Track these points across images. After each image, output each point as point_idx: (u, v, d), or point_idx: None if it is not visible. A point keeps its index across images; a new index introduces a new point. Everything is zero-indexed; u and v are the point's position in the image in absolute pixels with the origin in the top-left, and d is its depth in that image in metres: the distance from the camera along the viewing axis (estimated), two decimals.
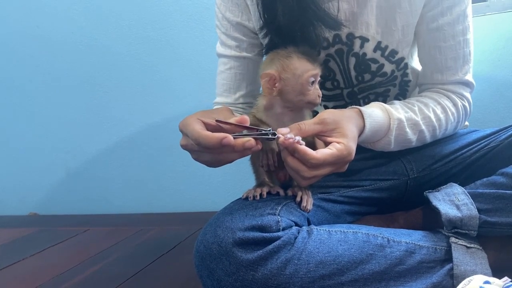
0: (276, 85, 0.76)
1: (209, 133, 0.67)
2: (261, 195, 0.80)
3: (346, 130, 0.73)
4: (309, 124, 0.73)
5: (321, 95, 0.78)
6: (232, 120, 0.70)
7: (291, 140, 0.68)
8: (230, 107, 1.00)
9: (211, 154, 0.72)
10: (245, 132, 0.70)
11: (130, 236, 1.49)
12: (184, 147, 0.75)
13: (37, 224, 1.80)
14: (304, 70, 0.75)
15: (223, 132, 0.69)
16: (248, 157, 0.81)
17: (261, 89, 0.81)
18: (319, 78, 0.78)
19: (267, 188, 0.81)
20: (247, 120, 0.70)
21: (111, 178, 1.94)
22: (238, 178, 1.70)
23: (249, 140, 0.68)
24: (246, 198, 0.80)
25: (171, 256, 1.24)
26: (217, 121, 0.71)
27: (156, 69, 1.79)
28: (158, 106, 1.81)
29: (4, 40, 1.98)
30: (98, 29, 1.83)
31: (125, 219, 1.76)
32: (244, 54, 0.99)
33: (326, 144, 0.72)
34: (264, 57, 0.94)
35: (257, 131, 0.70)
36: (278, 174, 0.83)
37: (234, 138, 0.67)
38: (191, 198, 1.83)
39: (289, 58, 0.76)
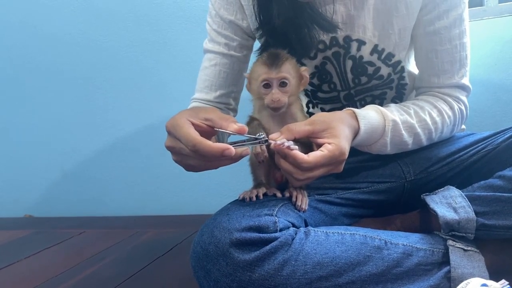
0: (247, 86, 0.82)
1: (210, 142, 0.67)
2: (257, 196, 0.80)
3: (337, 131, 0.73)
4: (299, 126, 0.73)
5: (276, 101, 0.76)
6: (231, 129, 0.69)
7: (281, 145, 0.69)
8: (208, 105, 1.01)
9: (202, 161, 0.71)
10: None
11: (126, 238, 1.48)
12: (169, 148, 0.74)
13: (32, 226, 1.79)
14: (258, 74, 0.77)
15: (210, 132, 0.71)
16: (246, 158, 0.81)
17: None
18: (282, 80, 0.76)
19: (264, 189, 0.81)
20: (246, 129, 0.70)
21: (107, 180, 1.93)
22: (235, 181, 1.70)
23: (246, 149, 0.69)
24: (243, 199, 0.80)
25: (167, 259, 1.23)
26: (214, 130, 0.71)
27: (154, 70, 1.79)
28: (155, 108, 1.81)
29: (1, 41, 1.97)
30: (96, 30, 1.83)
31: (121, 221, 1.76)
32: (232, 52, 0.99)
33: (318, 145, 0.72)
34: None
35: (250, 138, 0.72)
36: (275, 175, 0.83)
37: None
38: (187, 200, 1.83)
39: (255, 62, 0.81)
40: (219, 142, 0.78)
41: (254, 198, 0.79)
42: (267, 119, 0.81)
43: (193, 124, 0.70)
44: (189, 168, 0.75)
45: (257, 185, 0.84)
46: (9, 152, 2.07)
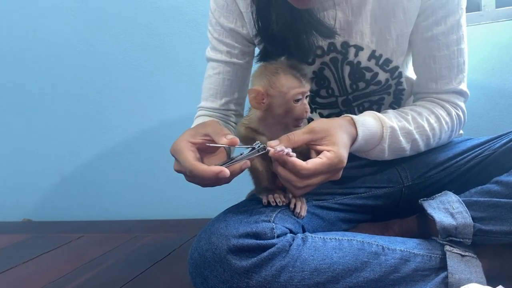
0: (264, 100, 0.76)
1: (204, 167, 0.69)
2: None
3: (336, 138, 0.73)
4: (298, 135, 0.73)
5: (308, 111, 0.77)
6: (222, 142, 0.71)
7: (280, 152, 0.69)
8: (213, 113, 1.01)
9: (206, 182, 0.73)
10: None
11: (125, 242, 1.48)
12: (179, 172, 0.76)
13: (31, 231, 1.79)
14: (290, 88, 0.75)
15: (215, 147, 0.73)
16: None
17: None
18: (307, 94, 0.78)
19: (282, 196, 0.81)
20: (237, 141, 0.71)
21: (106, 184, 1.93)
22: (233, 185, 1.69)
23: (245, 162, 0.70)
24: (268, 203, 0.80)
25: (165, 263, 1.23)
26: (207, 146, 0.73)
27: (152, 74, 1.79)
28: (153, 112, 1.81)
29: (1, 44, 1.98)
30: (95, 34, 1.83)
31: (120, 226, 1.75)
32: (234, 60, 1.00)
33: (317, 152, 0.73)
34: (254, 66, 0.95)
35: (246, 148, 0.73)
36: (276, 180, 0.83)
37: (227, 166, 0.69)
38: (186, 204, 1.83)
39: (276, 74, 0.76)
40: (228, 153, 0.80)
41: (275, 203, 0.80)
42: (269, 129, 0.80)
43: (194, 143, 0.73)
44: (204, 185, 0.76)
45: (264, 189, 0.83)
46: (8, 156, 2.07)
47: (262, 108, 0.77)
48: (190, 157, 0.70)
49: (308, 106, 0.77)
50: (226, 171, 0.67)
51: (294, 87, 0.75)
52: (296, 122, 0.78)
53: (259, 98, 0.76)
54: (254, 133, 0.80)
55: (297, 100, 0.75)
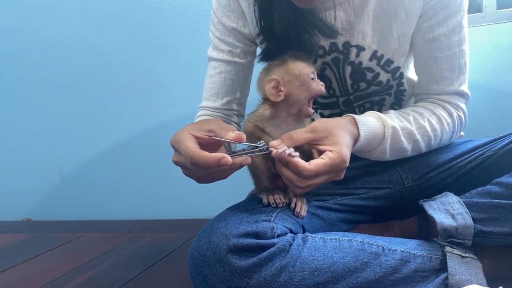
0: (282, 89, 0.78)
1: (206, 153, 0.68)
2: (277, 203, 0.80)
3: (338, 138, 0.73)
4: (300, 133, 0.73)
5: (323, 86, 0.80)
6: (229, 137, 0.70)
7: (283, 153, 0.69)
8: (215, 112, 1.00)
9: (206, 172, 0.72)
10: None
11: (124, 242, 1.48)
12: (176, 163, 0.75)
13: (31, 230, 1.79)
14: (301, 68, 0.79)
15: (217, 143, 0.72)
16: None
17: (259, 98, 0.82)
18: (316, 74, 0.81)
19: (282, 197, 0.81)
20: (243, 137, 0.70)
21: (105, 183, 1.93)
22: (232, 185, 1.70)
23: (246, 159, 0.70)
24: (269, 204, 0.80)
25: (165, 263, 1.23)
26: (212, 138, 0.72)
27: (153, 74, 1.79)
28: (153, 112, 1.81)
29: (0, 44, 1.98)
30: (95, 34, 1.83)
31: (119, 226, 1.75)
32: (236, 59, 1.00)
33: (319, 152, 0.73)
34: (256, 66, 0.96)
35: (249, 146, 0.72)
36: (276, 181, 0.83)
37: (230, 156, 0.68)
38: (185, 204, 1.83)
39: (285, 62, 0.80)
40: (227, 152, 0.79)
41: (275, 204, 0.80)
42: (276, 129, 0.80)
43: (196, 137, 0.71)
44: (200, 180, 0.76)
45: (264, 189, 0.83)
46: (8, 156, 2.07)
47: (280, 98, 0.78)
48: (192, 145, 0.69)
49: (321, 82, 0.80)
50: (228, 158, 0.66)
51: (305, 66, 0.79)
52: (307, 110, 0.80)
53: (276, 87, 0.78)
54: (261, 132, 0.80)
55: (312, 79, 0.79)
